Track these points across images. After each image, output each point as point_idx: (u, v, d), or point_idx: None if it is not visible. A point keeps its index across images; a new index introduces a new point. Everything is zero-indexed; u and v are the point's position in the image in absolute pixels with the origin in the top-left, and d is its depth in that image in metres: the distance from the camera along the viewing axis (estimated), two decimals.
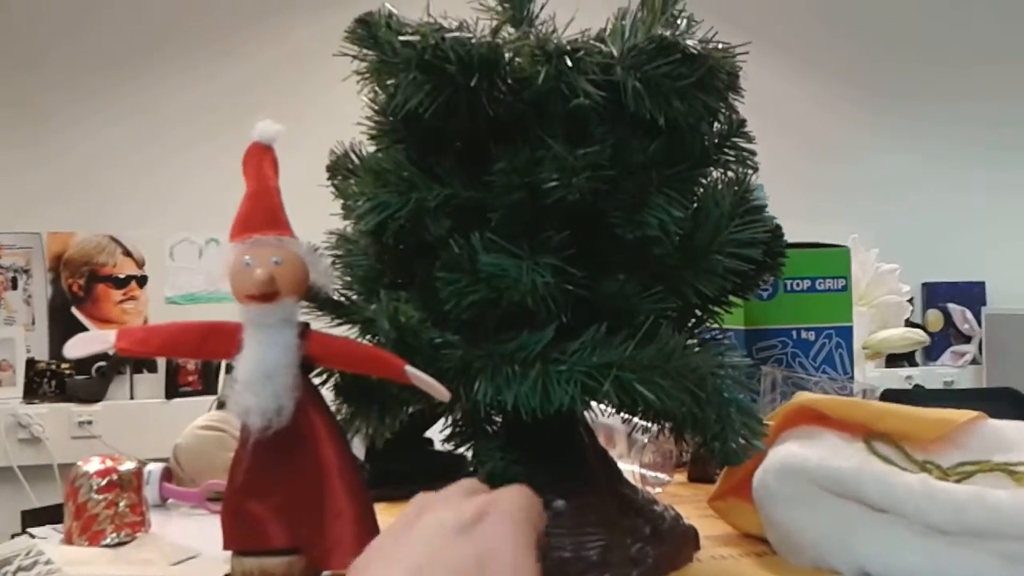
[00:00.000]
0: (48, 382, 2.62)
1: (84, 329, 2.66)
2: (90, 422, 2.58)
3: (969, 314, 3.50)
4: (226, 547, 0.60)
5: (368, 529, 0.59)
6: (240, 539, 0.60)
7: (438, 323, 0.63)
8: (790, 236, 0.72)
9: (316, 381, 0.63)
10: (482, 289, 0.59)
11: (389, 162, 0.64)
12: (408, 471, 0.88)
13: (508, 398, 0.57)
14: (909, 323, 1.59)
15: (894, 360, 3.26)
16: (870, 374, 1.49)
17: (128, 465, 0.75)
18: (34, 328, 2.65)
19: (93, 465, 0.74)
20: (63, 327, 2.65)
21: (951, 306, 3.50)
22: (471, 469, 0.65)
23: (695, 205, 0.66)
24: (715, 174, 0.67)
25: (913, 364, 3.40)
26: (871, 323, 1.47)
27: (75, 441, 2.55)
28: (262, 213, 0.61)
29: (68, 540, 0.72)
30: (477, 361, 0.59)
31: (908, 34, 3.43)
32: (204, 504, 0.86)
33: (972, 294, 3.52)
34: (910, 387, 3.11)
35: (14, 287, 2.66)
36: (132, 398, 2.68)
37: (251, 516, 0.59)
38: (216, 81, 2.76)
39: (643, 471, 0.90)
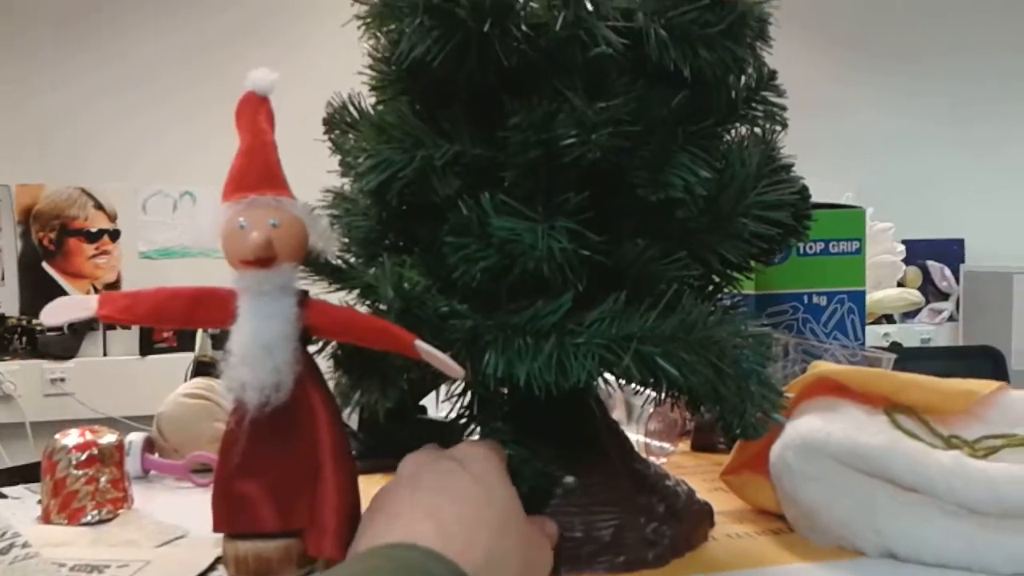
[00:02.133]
0: (19, 338, 2.56)
1: (55, 284, 2.59)
2: (63, 379, 2.52)
3: (948, 271, 3.51)
4: (216, 529, 0.56)
5: (353, 516, 0.55)
6: (232, 521, 0.56)
7: (445, 291, 0.58)
8: None
9: (311, 350, 0.58)
10: (493, 255, 0.55)
11: (393, 116, 0.59)
12: (403, 441, 0.84)
13: (520, 373, 0.53)
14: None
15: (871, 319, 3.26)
16: None
17: (109, 438, 0.71)
18: (3, 283, 2.58)
19: (71, 438, 0.69)
20: (34, 282, 2.58)
21: (930, 263, 3.51)
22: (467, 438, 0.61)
23: (721, 164, 0.62)
24: (742, 130, 0.63)
25: (891, 322, 3.40)
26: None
27: (48, 399, 2.50)
28: (258, 171, 0.56)
29: (46, 519, 0.68)
30: (487, 332, 0.55)
31: None
32: (189, 476, 0.82)
33: (951, 252, 3.52)
34: (887, 344, 3.11)
35: None
36: (105, 355, 2.62)
37: (244, 497, 0.55)
38: (193, 28, 2.66)
39: (647, 440, 0.87)
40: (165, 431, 0.85)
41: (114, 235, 2.63)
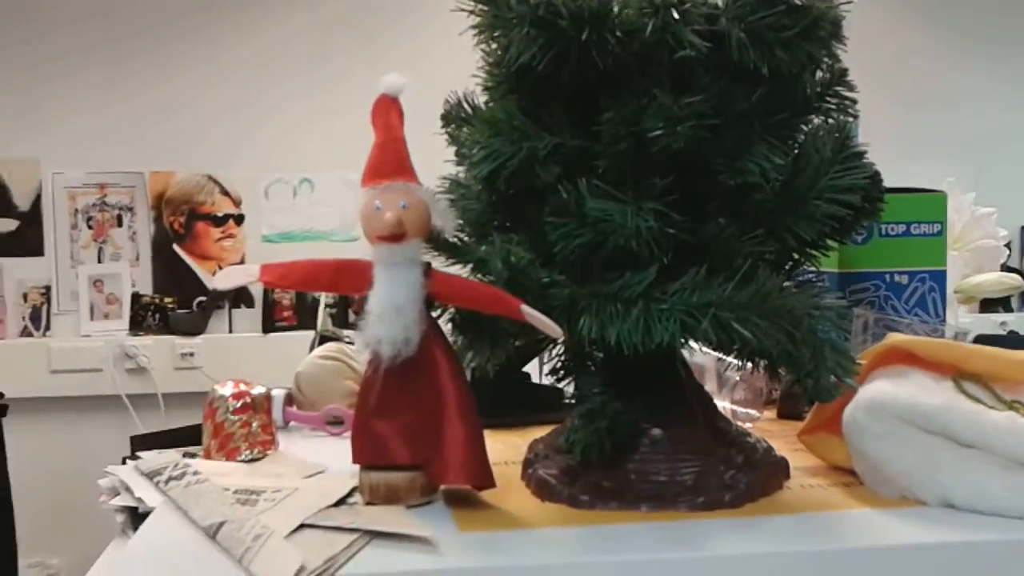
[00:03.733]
0: (152, 315, 2.77)
1: (185, 265, 2.80)
2: (192, 354, 2.72)
3: None
4: (355, 461, 0.67)
5: (479, 452, 0.65)
6: (367, 454, 0.66)
7: (546, 264, 0.67)
8: (887, 180, 0.74)
9: (435, 315, 0.68)
10: (588, 232, 0.63)
11: (502, 112, 0.68)
12: (508, 402, 0.94)
13: (611, 334, 0.62)
14: (1006, 267, 1.57)
15: (988, 305, 3.17)
16: (963, 319, 1.49)
17: (259, 389, 0.83)
18: (139, 264, 2.80)
19: (228, 389, 0.81)
20: (165, 263, 2.80)
21: None
22: (569, 402, 0.69)
23: (796, 152, 0.69)
24: (816, 121, 0.70)
25: (1008, 309, 3.31)
26: (965, 267, 1.46)
27: (178, 372, 2.70)
28: (391, 161, 0.66)
29: (207, 456, 0.80)
30: (583, 299, 0.64)
31: None
32: (324, 427, 0.94)
33: None
34: (1004, 333, 3.04)
35: (119, 224, 2.80)
36: (231, 331, 2.81)
37: (378, 435, 0.66)
38: (311, 22, 2.81)
39: (734, 407, 0.94)
40: (303, 387, 0.97)
41: (239, 219, 2.81)
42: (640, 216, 0.63)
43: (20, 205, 2.75)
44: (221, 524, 0.59)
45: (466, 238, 0.76)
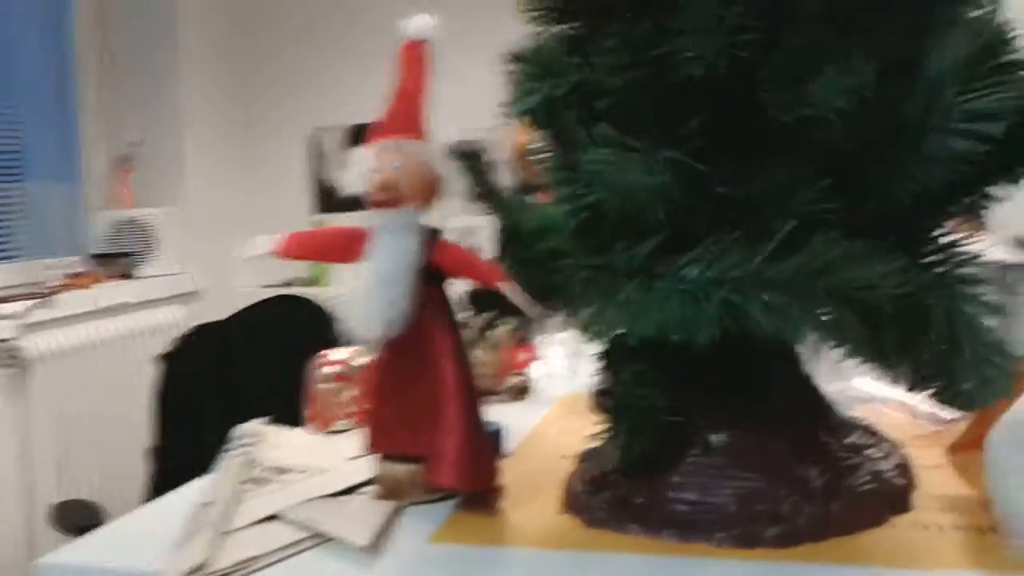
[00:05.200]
0: None
1: None
2: None
3: None
4: (366, 448, 0.61)
5: (473, 447, 0.56)
6: (376, 441, 0.61)
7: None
8: None
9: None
10: (592, 191, 0.51)
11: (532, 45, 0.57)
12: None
13: (601, 320, 0.49)
14: None
15: None
16: None
17: (360, 360, 0.80)
18: None
19: (330, 356, 0.80)
20: None
21: None
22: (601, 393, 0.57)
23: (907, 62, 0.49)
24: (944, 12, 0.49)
25: None
26: None
27: None
28: (396, 117, 0.59)
29: (310, 422, 0.80)
30: (577, 275, 0.52)
31: None
32: None
33: None
34: None
35: None
36: None
37: (385, 420, 0.60)
38: None
39: (917, 405, 0.73)
40: None
41: None
42: (654, 168, 0.49)
43: None
44: (207, 504, 0.58)
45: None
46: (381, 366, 0.59)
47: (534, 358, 0.89)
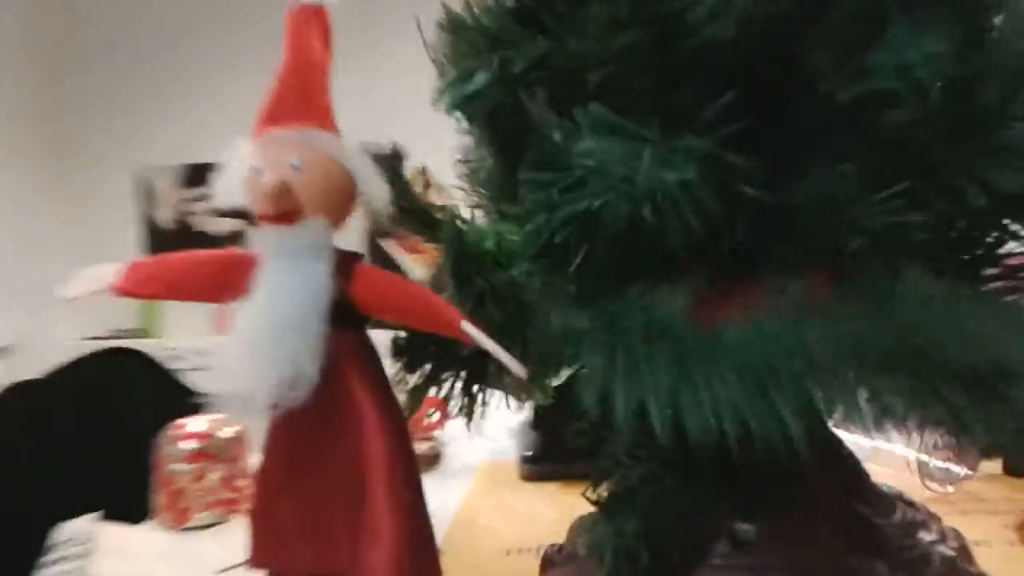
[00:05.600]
0: None
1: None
2: None
3: None
4: (251, 562, 0.44)
5: (414, 559, 0.40)
6: (265, 555, 0.43)
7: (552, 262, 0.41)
8: None
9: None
10: (580, 196, 0.37)
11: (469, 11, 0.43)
12: (575, 444, 0.68)
13: (620, 402, 0.35)
14: None
15: None
16: None
17: (227, 431, 0.62)
18: None
19: (183, 428, 0.61)
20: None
21: None
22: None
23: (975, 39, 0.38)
24: None
25: None
26: None
27: None
28: (291, 99, 0.43)
29: (160, 516, 0.61)
30: (578, 326, 0.37)
31: None
32: None
33: None
34: None
35: None
36: None
37: (279, 527, 0.43)
38: None
39: (925, 459, 0.62)
40: None
41: None
42: (674, 162, 0.36)
43: None
44: None
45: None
46: (274, 446, 0.42)
47: (445, 418, 0.73)
